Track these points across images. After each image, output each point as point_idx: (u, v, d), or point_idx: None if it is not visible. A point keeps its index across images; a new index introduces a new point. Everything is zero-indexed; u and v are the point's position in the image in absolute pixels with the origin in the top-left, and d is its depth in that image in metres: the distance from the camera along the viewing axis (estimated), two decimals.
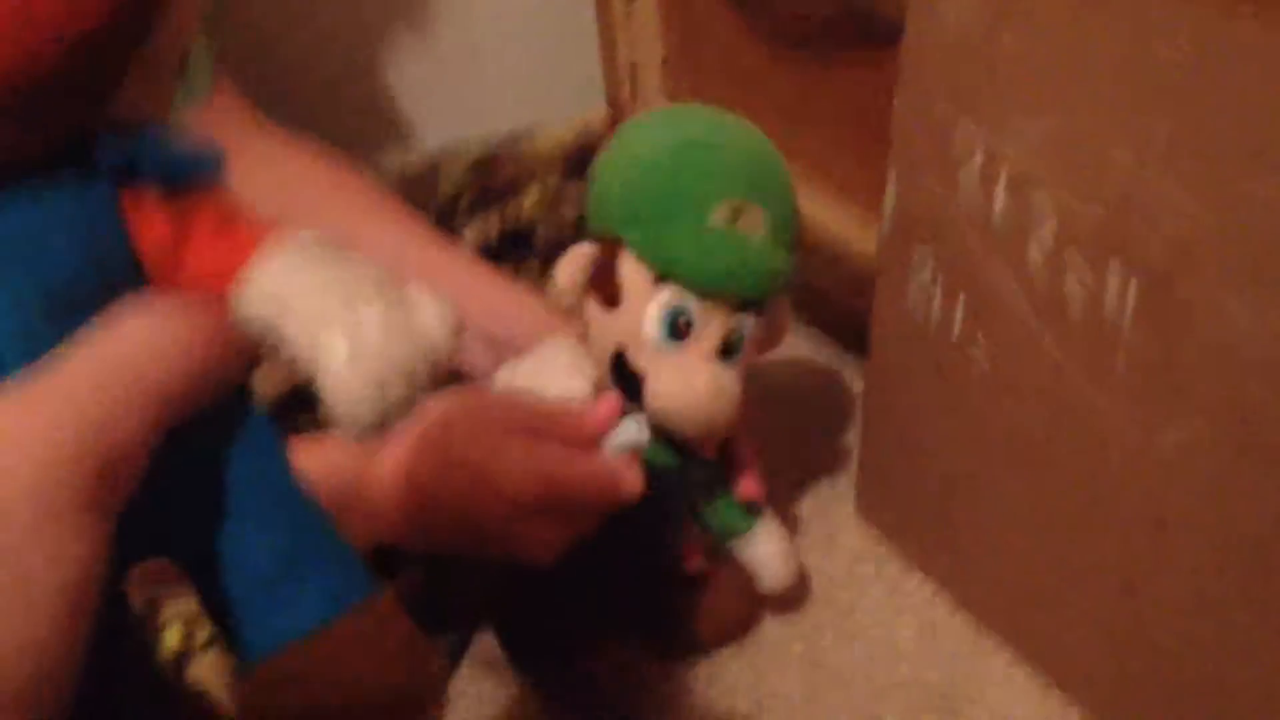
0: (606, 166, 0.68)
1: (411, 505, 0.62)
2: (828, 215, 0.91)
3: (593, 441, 0.60)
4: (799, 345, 1.05)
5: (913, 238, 0.73)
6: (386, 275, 0.31)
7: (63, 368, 0.27)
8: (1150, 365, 0.59)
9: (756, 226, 0.63)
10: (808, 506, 0.89)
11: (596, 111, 1.16)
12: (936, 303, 0.73)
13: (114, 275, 0.30)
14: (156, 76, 0.30)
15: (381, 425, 0.30)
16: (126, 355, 0.28)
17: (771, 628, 0.79)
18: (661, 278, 0.63)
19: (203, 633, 0.56)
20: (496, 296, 0.76)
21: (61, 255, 0.29)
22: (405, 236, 0.79)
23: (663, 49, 1.10)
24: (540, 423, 0.62)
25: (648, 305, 0.63)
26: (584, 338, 0.68)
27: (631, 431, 0.60)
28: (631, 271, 0.64)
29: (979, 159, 0.66)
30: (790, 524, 0.87)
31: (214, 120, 0.79)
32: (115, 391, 0.28)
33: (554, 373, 0.65)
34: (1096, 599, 0.68)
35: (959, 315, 0.71)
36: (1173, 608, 0.63)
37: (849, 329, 0.98)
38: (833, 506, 0.89)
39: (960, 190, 0.68)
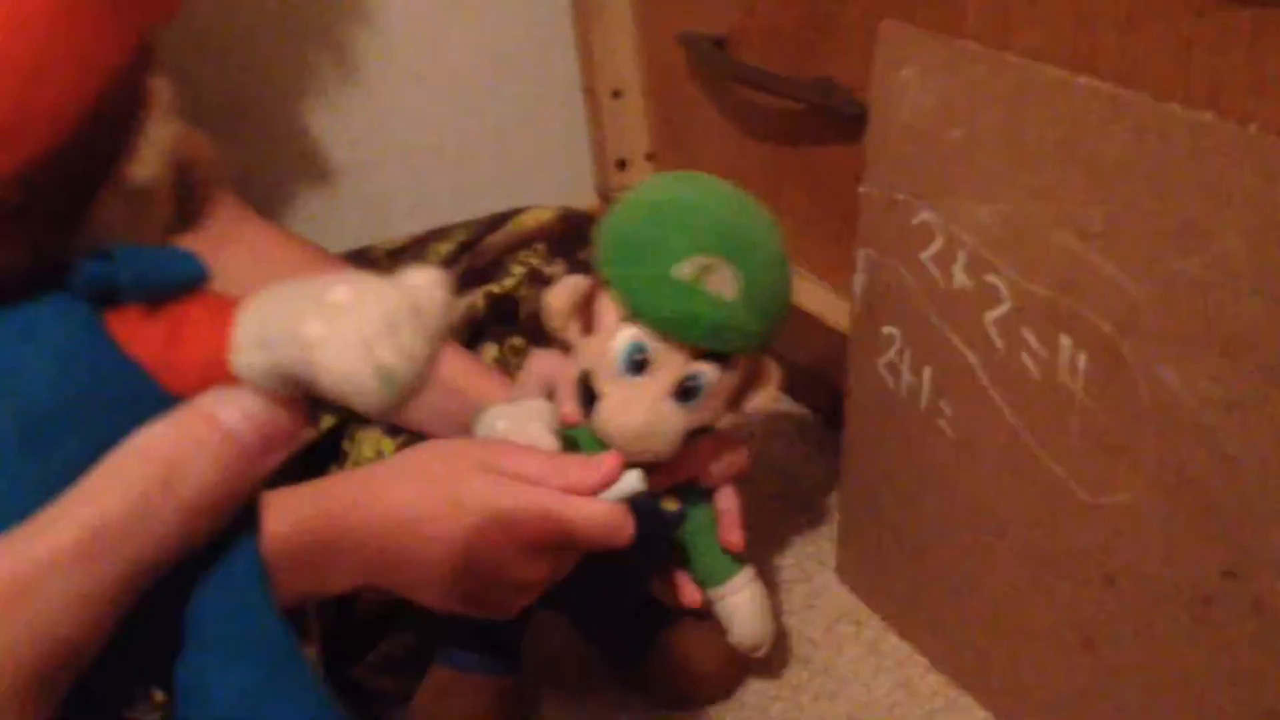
0: (610, 212, 0.73)
1: (410, 548, 0.64)
2: (803, 294, 0.96)
3: (594, 490, 0.64)
4: (783, 415, 1.10)
5: (881, 316, 0.78)
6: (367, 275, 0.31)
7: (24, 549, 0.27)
8: (1099, 430, 0.64)
9: (724, 285, 0.68)
10: (789, 570, 0.93)
11: (588, 201, 1.22)
12: (905, 376, 0.78)
13: (103, 396, 0.29)
14: (137, 204, 0.31)
15: (394, 391, 0.29)
16: (87, 545, 0.28)
17: (752, 686, 0.83)
18: (630, 316, 0.69)
19: None
20: (478, 383, 0.79)
21: (41, 385, 0.28)
22: None
23: (648, 143, 1.17)
24: (547, 470, 0.64)
25: (614, 338, 0.69)
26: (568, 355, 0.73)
27: (632, 481, 0.65)
28: (606, 306, 0.70)
29: (938, 243, 0.72)
30: (772, 586, 0.91)
31: (202, 210, 0.83)
32: (67, 588, 0.28)
33: (534, 428, 0.69)
34: (1060, 655, 0.72)
35: (926, 388, 0.76)
36: (1129, 660, 0.68)
37: (827, 400, 1.02)
38: (813, 569, 0.93)
39: (923, 272, 0.73)
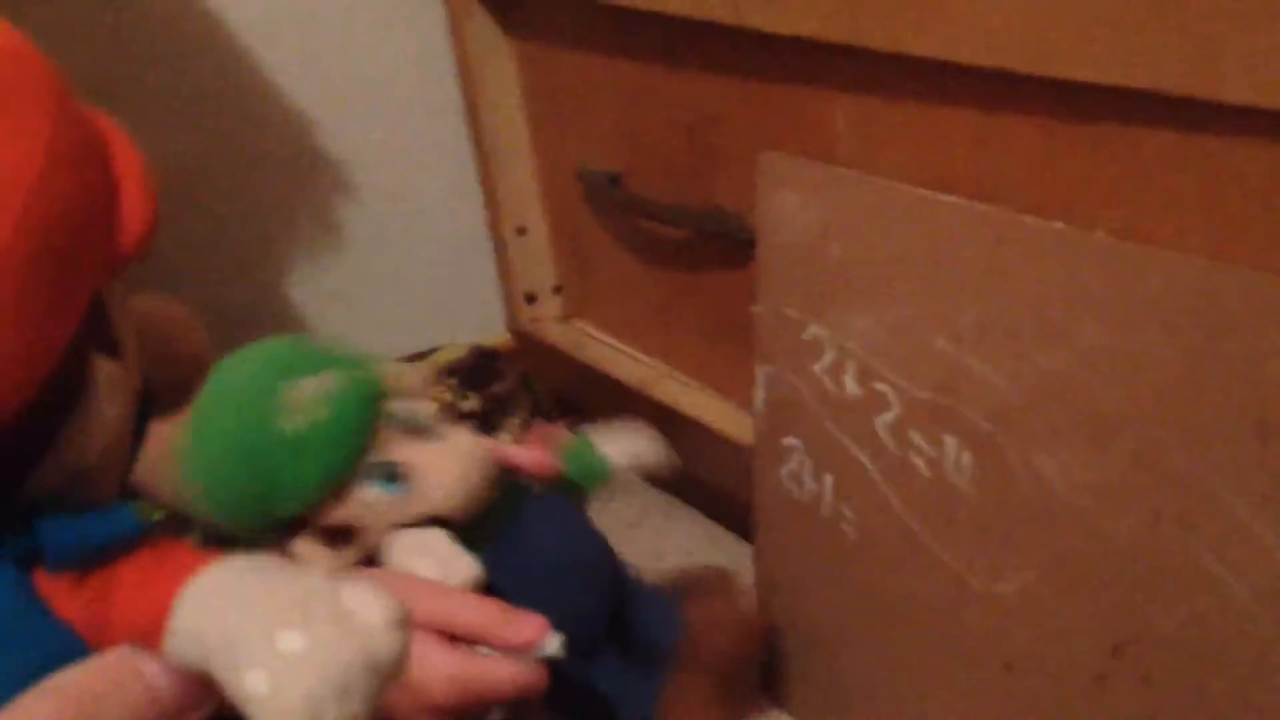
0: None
1: None
2: (710, 412, 0.99)
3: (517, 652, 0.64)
4: (693, 533, 1.13)
5: (781, 428, 0.82)
6: (318, 585, 0.31)
7: None
8: (986, 522, 0.68)
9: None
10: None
11: (499, 336, 1.26)
12: (808, 484, 0.81)
13: (36, 658, 0.28)
14: (79, 477, 0.31)
15: None
16: None
17: None
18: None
19: None
20: None
21: None
22: None
23: (555, 276, 1.21)
24: (468, 629, 0.64)
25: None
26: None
27: (554, 646, 0.64)
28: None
29: (829, 356, 0.76)
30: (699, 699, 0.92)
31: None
32: None
33: (438, 556, 0.68)
34: None
35: (828, 493, 0.79)
36: None
37: (736, 515, 1.05)
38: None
39: (817, 384, 0.77)
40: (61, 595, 0.29)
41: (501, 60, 1.10)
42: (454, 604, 0.66)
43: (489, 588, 0.67)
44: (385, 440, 0.66)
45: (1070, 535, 0.63)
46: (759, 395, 0.84)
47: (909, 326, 0.69)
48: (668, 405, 1.02)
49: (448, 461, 0.68)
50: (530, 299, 1.20)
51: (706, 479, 1.03)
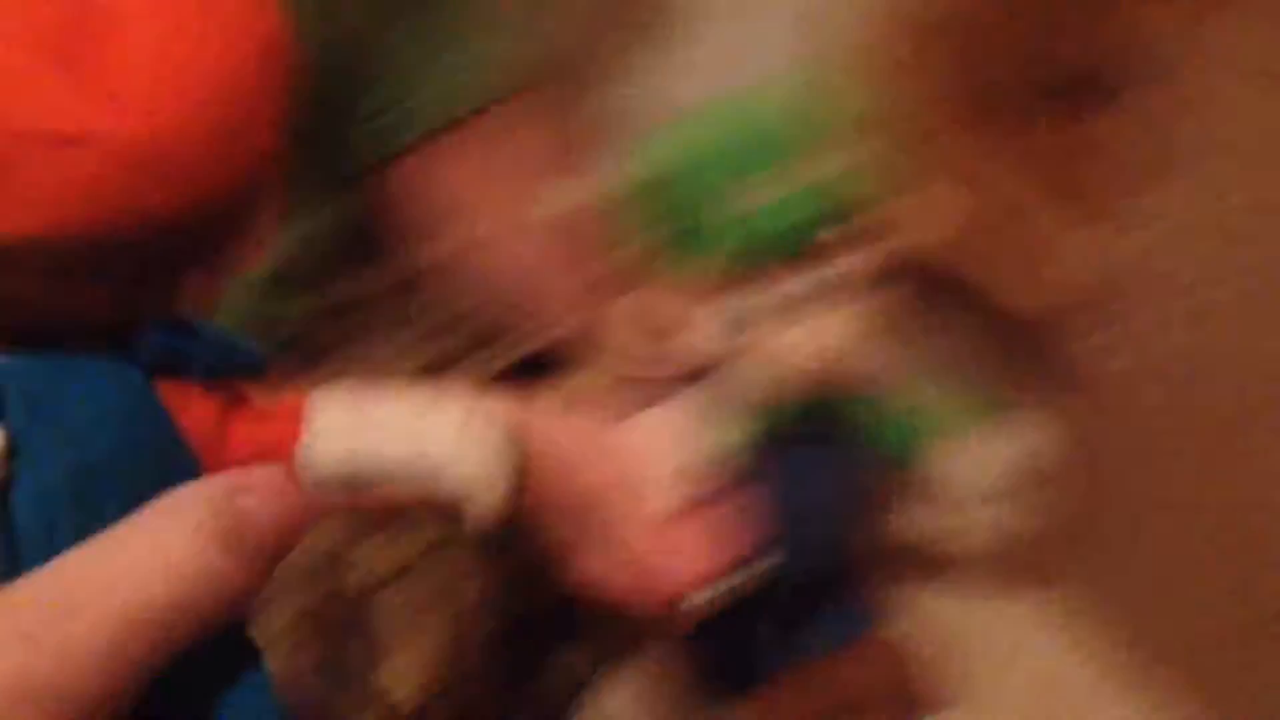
0: None
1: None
2: None
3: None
4: None
5: None
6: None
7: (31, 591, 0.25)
8: None
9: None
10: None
11: None
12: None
13: (152, 460, 0.28)
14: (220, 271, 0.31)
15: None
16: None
17: None
18: None
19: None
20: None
21: (96, 439, 0.27)
22: None
23: None
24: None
25: None
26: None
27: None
28: None
29: None
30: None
31: None
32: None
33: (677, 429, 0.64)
34: None
35: None
36: None
37: None
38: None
39: None
40: (184, 407, 0.29)
41: None
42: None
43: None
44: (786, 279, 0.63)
45: None
46: None
47: None
48: None
49: (814, 339, 0.64)
50: None
51: None
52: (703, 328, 0.65)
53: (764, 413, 0.67)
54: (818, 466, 0.70)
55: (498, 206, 0.80)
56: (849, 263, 0.65)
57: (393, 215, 0.78)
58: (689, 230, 0.64)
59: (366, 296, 0.89)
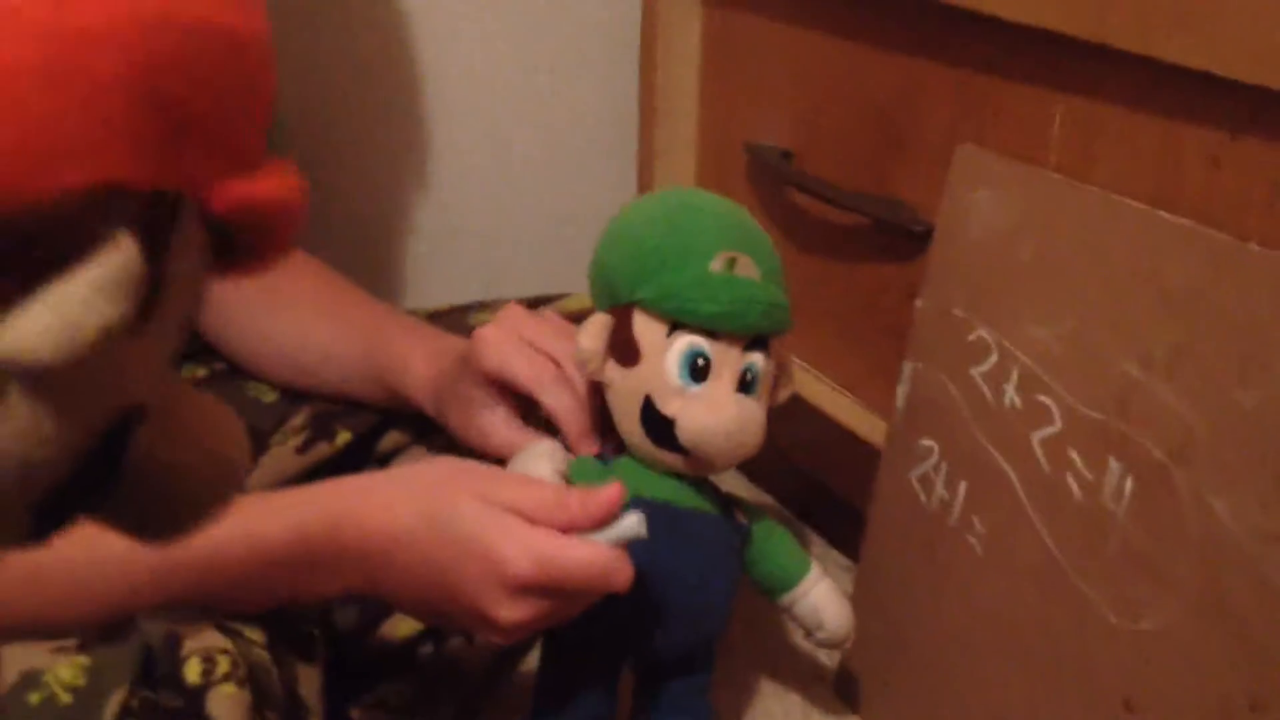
0: (606, 245, 0.74)
1: (397, 563, 0.65)
2: (832, 405, 0.97)
3: (595, 525, 0.64)
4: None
5: (920, 429, 0.80)
6: None
7: None
8: (1137, 554, 0.65)
9: (752, 271, 0.69)
10: (788, 686, 0.93)
11: None
12: (938, 490, 0.79)
13: None
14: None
15: None
16: None
17: None
18: (674, 328, 0.69)
19: (222, 665, 0.58)
20: (419, 362, 0.82)
21: None
22: (358, 321, 0.87)
23: None
24: (544, 507, 0.65)
25: (666, 354, 0.69)
26: (605, 397, 0.73)
27: (631, 524, 0.64)
28: (645, 328, 0.70)
29: (992, 360, 0.74)
30: (769, 698, 0.91)
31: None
32: None
33: (539, 468, 0.70)
34: None
35: (959, 502, 0.77)
36: None
37: (838, 520, 1.03)
38: (811, 683, 0.92)
39: (973, 388, 0.75)
40: None
41: (688, 21, 1.08)
42: (534, 485, 0.67)
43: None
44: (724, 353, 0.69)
45: (1230, 580, 0.61)
46: (901, 391, 0.82)
47: (1091, 343, 0.67)
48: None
49: (738, 411, 0.69)
50: None
51: (816, 476, 1.01)
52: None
53: (662, 480, 0.72)
54: (706, 542, 0.72)
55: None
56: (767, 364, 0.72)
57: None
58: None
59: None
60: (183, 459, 0.30)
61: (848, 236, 0.94)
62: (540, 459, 0.71)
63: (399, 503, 0.66)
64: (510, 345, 0.75)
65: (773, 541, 0.77)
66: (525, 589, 0.64)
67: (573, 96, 1.24)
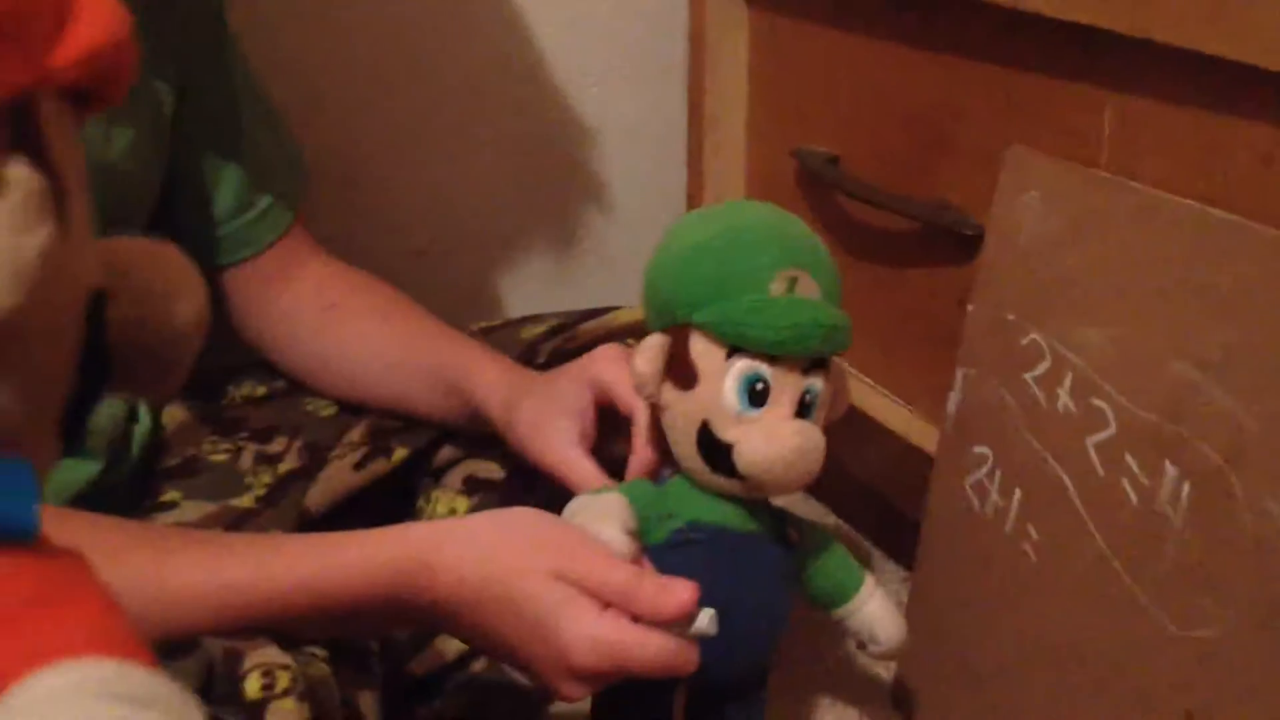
0: (660, 266, 0.73)
1: (464, 624, 0.65)
2: (883, 412, 0.96)
3: (667, 621, 0.63)
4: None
5: (974, 435, 0.79)
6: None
7: None
8: (1194, 561, 0.64)
9: (812, 290, 0.68)
10: (843, 693, 0.92)
11: None
12: (992, 497, 0.78)
13: None
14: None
15: None
16: None
17: None
18: (732, 351, 0.68)
19: (282, 680, 0.58)
20: (490, 366, 0.83)
21: None
22: (424, 330, 0.89)
23: None
24: (617, 593, 0.63)
25: (724, 379, 0.67)
26: (662, 420, 0.72)
27: (704, 623, 0.63)
28: (703, 351, 0.68)
29: (1045, 364, 0.73)
30: (827, 713, 0.90)
31: (282, 253, 0.89)
32: None
33: (607, 531, 0.67)
34: None
35: (1014, 510, 0.76)
36: None
37: (888, 528, 1.02)
38: (868, 695, 0.91)
39: (1025, 393, 0.74)
40: None
41: (736, 29, 1.08)
42: (610, 566, 0.65)
43: None
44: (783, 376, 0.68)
45: None
46: (954, 398, 0.81)
47: (1146, 345, 0.66)
48: None
49: (800, 441, 0.67)
50: None
51: (869, 484, 1.01)
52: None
53: (716, 503, 0.71)
54: (760, 566, 0.70)
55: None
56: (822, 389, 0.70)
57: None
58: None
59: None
60: (150, 312, 0.31)
61: (898, 243, 0.93)
62: (609, 520, 0.69)
63: (474, 563, 0.65)
64: (626, 364, 0.74)
65: (826, 557, 0.75)
66: (589, 675, 0.63)
67: (622, 106, 1.24)
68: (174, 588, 0.61)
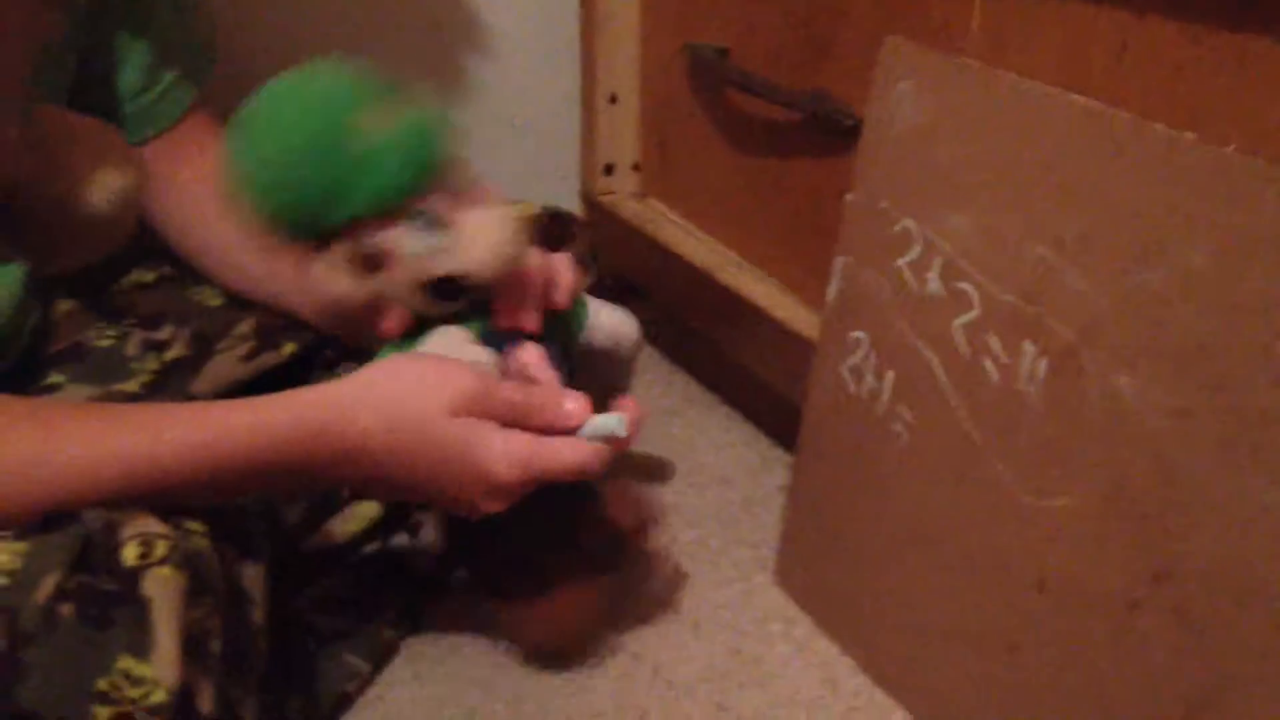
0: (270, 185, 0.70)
1: (381, 465, 0.67)
2: (772, 302, 0.99)
3: (570, 429, 0.69)
4: (734, 429, 1.13)
5: (851, 321, 0.82)
6: None
7: None
8: (1049, 435, 0.67)
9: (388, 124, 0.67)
10: (728, 569, 0.95)
11: (572, 205, 1.25)
12: (867, 380, 0.81)
13: None
14: None
15: None
16: None
17: (680, 669, 0.85)
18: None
19: (159, 548, 0.59)
20: None
21: None
22: None
23: (636, 152, 1.20)
24: (521, 410, 0.68)
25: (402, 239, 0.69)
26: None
27: (612, 425, 0.69)
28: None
29: (916, 250, 0.75)
30: (710, 585, 0.93)
31: (185, 133, 0.89)
32: None
33: (462, 349, 0.72)
34: (985, 659, 0.75)
35: (886, 391, 0.79)
36: (1049, 664, 0.70)
37: (778, 416, 1.05)
38: (752, 571, 0.95)
39: (897, 278, 0.77)
40: None
41: None
42: (501, 387, 0.69)
43: None
44: (436, 194, 0.69)
45: (1134, 457, 0.63)
46: (833, 285, 0.83)
47: (1008, 229, 0.68)
48: (734, 291, 1.01)
49: (487, 225, 0.70)
50: (609, 170, 1.20)
51: (758, 373, 1.03)
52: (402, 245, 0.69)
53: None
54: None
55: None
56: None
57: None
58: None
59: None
60: (75, 188, 0.32)
61: (785, 135, 0.95)
62: (469, 345, 0.73)
63: (368, 416, 0.66)
64: None
65: (567, 314, 0.80)
66: (510, 489, 0.68)
67: (514, 9, 1.23)
68: (61, 462, 0.61)
